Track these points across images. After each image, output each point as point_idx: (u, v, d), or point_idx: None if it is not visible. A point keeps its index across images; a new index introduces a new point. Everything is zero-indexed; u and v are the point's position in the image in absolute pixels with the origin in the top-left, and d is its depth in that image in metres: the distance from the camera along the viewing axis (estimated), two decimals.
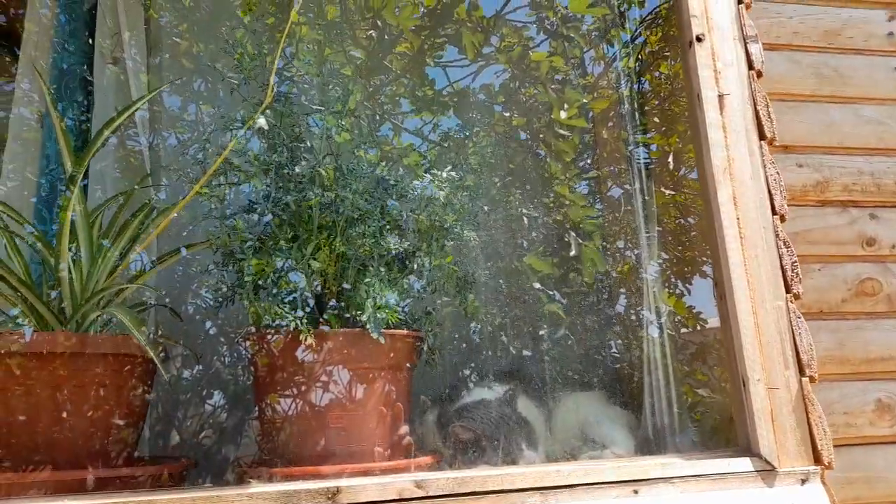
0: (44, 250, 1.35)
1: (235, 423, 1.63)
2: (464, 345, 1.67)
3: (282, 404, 1.30)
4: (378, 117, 2.39)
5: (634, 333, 1.92)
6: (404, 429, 1.37)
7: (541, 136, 2.43)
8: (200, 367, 1.73)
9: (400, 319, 1.33)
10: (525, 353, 1.67)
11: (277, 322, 1.29)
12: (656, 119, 2.35)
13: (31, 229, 1.39)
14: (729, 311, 1.39)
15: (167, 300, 1.72)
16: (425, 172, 1.40)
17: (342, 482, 1.16)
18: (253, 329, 1.34)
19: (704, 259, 2.04)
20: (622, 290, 2.16)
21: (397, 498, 1.17)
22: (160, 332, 1.62)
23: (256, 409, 1.37)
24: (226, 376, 1.71)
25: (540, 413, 1.52)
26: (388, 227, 1.35)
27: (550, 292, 1.99)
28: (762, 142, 1.48)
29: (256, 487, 1.16)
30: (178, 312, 1.59)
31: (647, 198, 2.01)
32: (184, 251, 1.44)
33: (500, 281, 1.93)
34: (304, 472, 1.20)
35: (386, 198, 1.38)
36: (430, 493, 1.18)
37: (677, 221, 2.29)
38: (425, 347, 1.43)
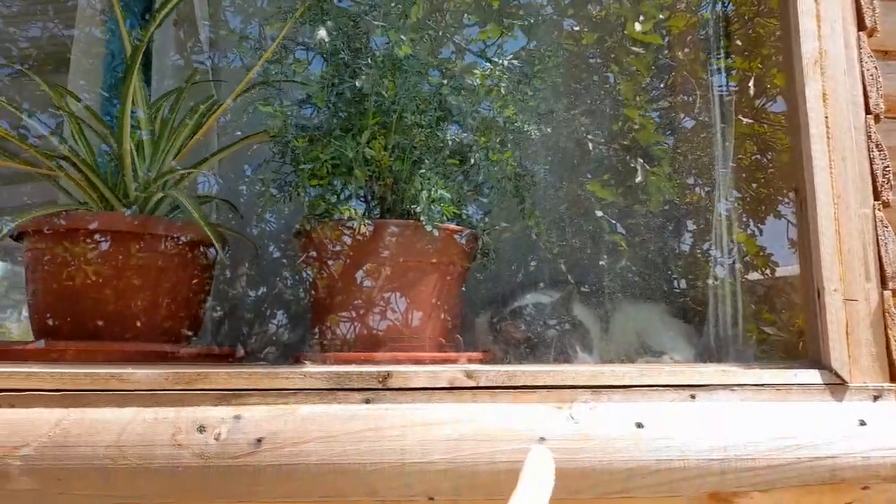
0: (107, 133, 1.36)
1: (299, 322, 1.65)
2: (521, 250, 1.62)
3: (335, 295, 1.29)
4: (441, 34, 2.28)
5: (702, 259, 1.82)
6: (456, 324, 1.35)
7: (612, 54, 2.25)
8: (262, 262, 1.75)
9: (455, 214, 1.28)
10: (584, 261, 1.61)
11: (330, 212, 1.27)
12: (738, 42, 2.14)
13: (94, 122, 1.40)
14: (809, 216, 1.28)
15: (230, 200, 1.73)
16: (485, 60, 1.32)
17: (392, 367, 1.16)
18: (306, 223, 1.33)
19: (781, 198, 1.91)
20: (691, 222, 2.03)
21: (447, 385, 1.16)
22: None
23: (311, 300, 1.38)
24: (287, 276, 1.73)
25: (597, 320, 1.47)
26: (444, 118, 1.28)
27: (612, 221, 1.89)
28: (861, 33, 1.32)
29: (310, 367, 1.17)
30: (237, 207, 1.60)
31: (724, 126, 1.86)
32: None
33: (563, 192, 1.85)
34: (357, 357, 1.20)
35: (443, 89, 1.31)
36: (481, 384, 1.16)
37: (753, 157, 2.13)
38: (479, 247, 1.39)
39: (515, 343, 1.35)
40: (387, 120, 1.28)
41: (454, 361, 1.24)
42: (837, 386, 1.22)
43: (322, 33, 1.26)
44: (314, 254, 1.32)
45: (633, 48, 2.18)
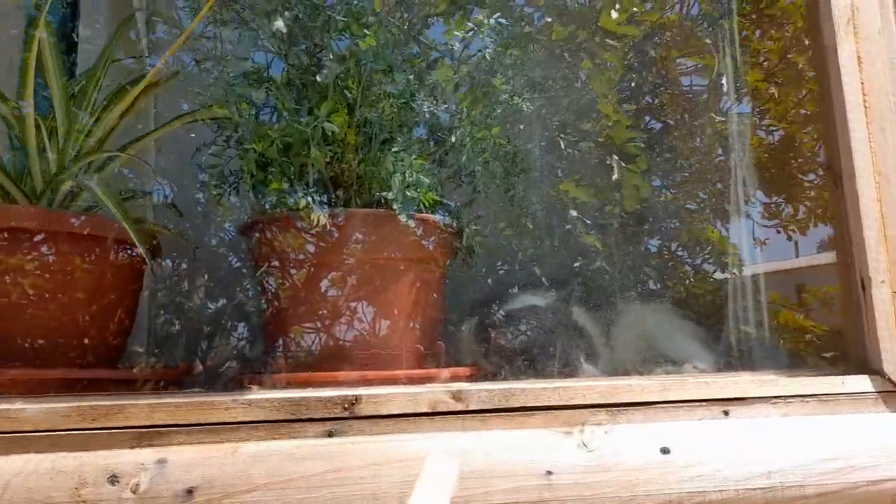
0: (7, 112, 1.10)
1: (253, 336, 1.40)
2: (509, 245, 1.40)
3: (289, 302, 1.06)
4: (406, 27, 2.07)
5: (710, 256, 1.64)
6: (437, 334, 1.13)
7: (584, 46, 2.08)
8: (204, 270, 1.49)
9: (436, 201, 1.06)
10: (580, 259, 1.40)
11: (283, 203, 1.04)
12: (708, 41, 2.02)
13: None
14: (847, 197, 1.09)
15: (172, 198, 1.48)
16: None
17: (361, 390, 0.93)
18: (255, 217, 1.10)
19: (746, 199, 1.78)
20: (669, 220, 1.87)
21: (429, 410, 0.93)
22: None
23: (265, 310, 1.13)
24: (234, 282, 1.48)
25: (598, 325, 1.26)
26: (420, 88, 1.06)
27: (588, 221, 1.70)
28: None
29: (256, 394, 0.93)
30: (176, 206, 1.35)
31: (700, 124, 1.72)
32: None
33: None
34: (316, 378, 0.97)
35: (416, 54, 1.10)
36: (471, 407, 0.93)
37: (719, 158, 2.02)
38: (463, 243, 1.17)
39: (508, 355, 1.13)
40: (351, 92, 1.05)
41: (437, 379, 1.01)
42: (891, 394, 1.02)
43: None
44: (265, 254, 1.09)
45: (608, 41, 2.01)
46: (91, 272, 1.03)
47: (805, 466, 0.95)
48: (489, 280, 1.37)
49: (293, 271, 1.04)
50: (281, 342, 1.07)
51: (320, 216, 0.99)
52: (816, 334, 1.33)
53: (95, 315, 1.05)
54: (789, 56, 1.87)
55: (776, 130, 1.95)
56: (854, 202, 1.08)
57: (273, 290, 1.08)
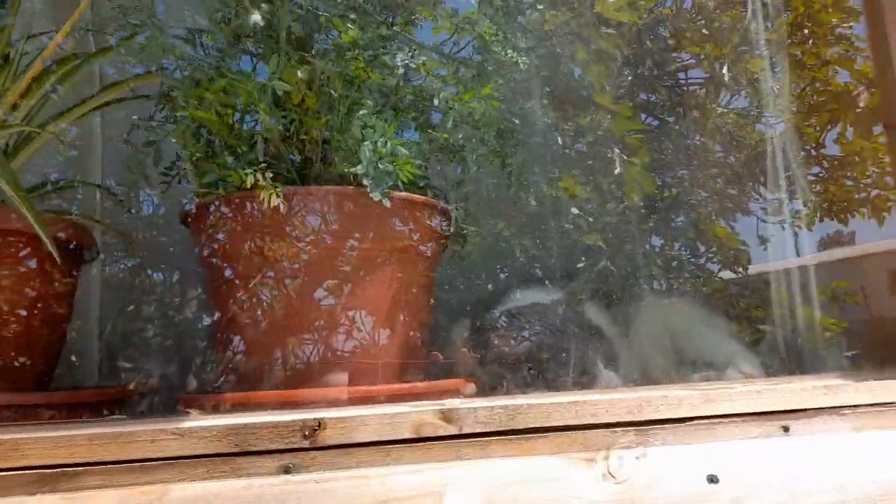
0: None
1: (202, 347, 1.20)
2: (509, 232, 1.20)
3: (238, 304, 0.86)
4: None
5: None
6: (421, 338, 0.93)
7: (580, 33, 1.90)
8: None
9: (418, 177, 0.87)
10: (592, 247, 1.20)
11: (225, 181, 0.84)
12: (705, 31, 1.87)
13: None
14: None
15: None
16: None
17: (326, 413, 0.73)
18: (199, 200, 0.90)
19: (749, 196, 1.73)
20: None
21: (413, 436, 0.73)
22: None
23: (212, 313, 0.94)
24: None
25: (616, 324, 1.06)
26: (393, 37, 0.87)
27: (589, 219, 1.51)
28: None
29: (192, 421, 0.73)
30: (115, 194, 1.15)
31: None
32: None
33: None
34: (269, 398, 0.77)
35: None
36: (465, 430, 0.74)
37: (718, 155, 1.88)
38: (451, 228, 0.98)
39: (512, 363, 0.93)
40: (307, 43, 0.86)
41: (423, 395, 0.81)
42: None
43: None
44: (210, 246, 0.89)
45: (605, 29, 1.83)
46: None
47: (887, 496, 0.75)
48: (487, 274, 1.18)
49: (240, 266, 0.85)
50: (230, 354, 0.87)
51: (271, 195, 0.79)
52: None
53: (10, 324, 0.85)
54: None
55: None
56: None
57: (221, 291, 0.89)
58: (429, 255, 0.95)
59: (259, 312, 0.85)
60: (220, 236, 0.88)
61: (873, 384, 0.82)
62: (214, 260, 0.89)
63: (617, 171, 1.59)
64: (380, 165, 0.83)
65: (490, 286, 1.16)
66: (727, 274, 1.46)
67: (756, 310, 1.37)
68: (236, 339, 0.87)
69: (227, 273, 0.88)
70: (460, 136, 0.95)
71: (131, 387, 0.99)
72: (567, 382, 0.91)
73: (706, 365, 0.98)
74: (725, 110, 1.88)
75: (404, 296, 0.90)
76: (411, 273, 0.92)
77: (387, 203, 0.83)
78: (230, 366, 0.87)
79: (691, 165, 1.71)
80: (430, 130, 0.98)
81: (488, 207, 1.27)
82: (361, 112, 0.84)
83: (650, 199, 1.56)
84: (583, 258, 1.34)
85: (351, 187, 0.85)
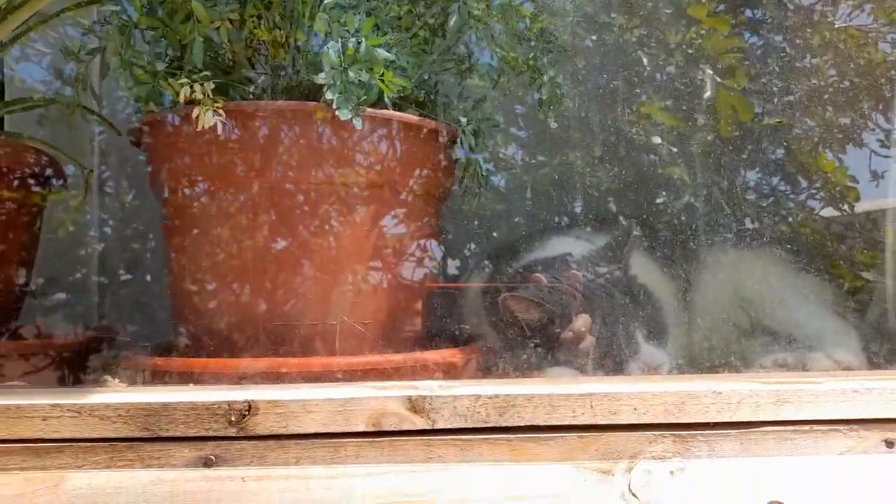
0: None
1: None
2: (536, 162, 0.98)
3: (181, 247, 0.71)
4: None
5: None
6: (417, 303, 0.76)
7: None
8: None
9: (406, 84, 0.68)
10: (644, 191, 0.97)
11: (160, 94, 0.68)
12: None
13: None
14: None
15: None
16: None
17: (261, 393, 0.57)
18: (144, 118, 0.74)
19: (864, 121, 1.43)
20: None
21: (371, 429, 0.57)
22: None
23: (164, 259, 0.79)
24: None
25: (670, 285, 0.85)
26: None
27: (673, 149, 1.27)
28: None
29: (99, 394, 0.59)
30: (102, 116, 1.00)
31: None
32: None
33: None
34: (195, 365, 0.62)
35: None
36: (439, 425, 0.57)
37: (831, 78, 1.56)
38: (461, 156, 0.78)
39: (523, 329, 0.74)
40: None
41: (398, 372, 0.64)
42: None
43: None
44: (151, 171, 0.74)
45: None
46: None
47: None
48: (512, 217, 0.97)
49: (180, 201, 0.69)
50: (174, 308, 0.72)
51: (206, 112, 0.61)
52: None
53: None
54: None
55: None
56: None
57: (166, 229, 0.74)
58: (427, 190, 0.76)
59: (202, 260, 0.69)
60: (160, 161, 0.72)
61: None
62: (157, 189, 0.73)
63: (707, 94, 1.35)
64: (350, 73, 0.64)
65: (513, 229, 0.96)
66: (830, 213, 1.20)
67: (861, 253, 1.13)
68: (180, 291, 0.72)
69: (168, 209, 0.72)
70: (470, 41, 0.74)
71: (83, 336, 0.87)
72: (591, 365, 0.71)
73: (787, 343, 0.75)
74: (843, 25, 1.56)
75: (390, 243, 0.72)
76: (402, 214, 0.74)
77: (358, 124, 0.64)
78: (177, 322, 0.73)
79: (798, 90, 1.42)
80: (433, 27, 0.77)
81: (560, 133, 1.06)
82: (327, 1, 0.65)
83: (748, 128, 1.32)
84: (663, 193, 1.14)
85: (312, 103, 0.66)
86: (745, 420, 0.58)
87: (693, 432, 0.58)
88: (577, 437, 0.58)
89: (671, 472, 0.57)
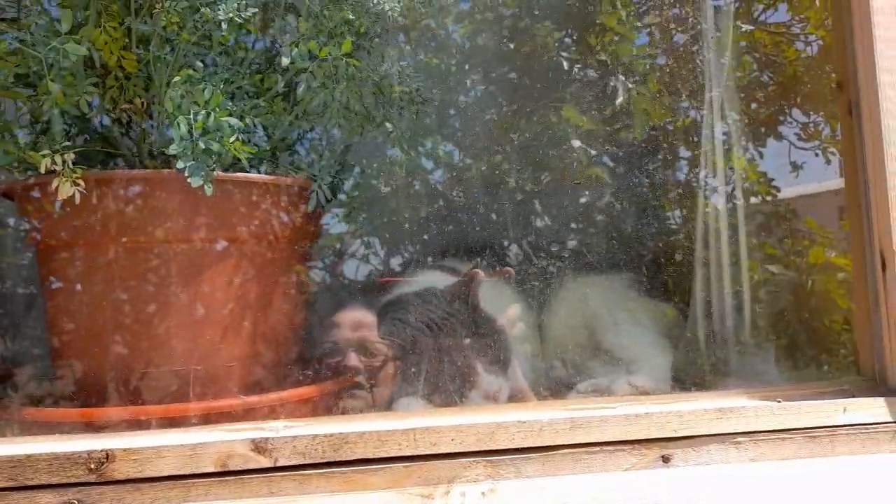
0: None
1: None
2: (405, 201, 1.07)
3: (54, 301, 0.77)
4: None
5: (689, 201, 1.32)
6: (288, 345, 0.84)
7: None
8: None
9: (255, 151, 0.75)
10: (513, 216, 1.07)
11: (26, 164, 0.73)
12: None
13: None
14: (865, 130, 0.75)
15: None
16: None
17: (117, 441, 0.65)
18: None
19: (782, 118, 1.57)
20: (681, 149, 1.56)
21: (219, 470, 0.65)
22: None
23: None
24: None
25: (528, 311, 0.95)
26: None
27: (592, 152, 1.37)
28: None
29: None
30: None
31: (720, 37, 1.41)
32: None
33: None
34: (61, 417, 0.69)
35: None
36: (280, 462, 0.66)
37: (751, 75, 1.69)
38: (317, 204, 0.85)
39: (382, 369, 0.83)
40: None
41: (252, 414, 0.73)
42: None
43: None
44: (27, 231, 0.79)
45: None
46: None
47: None
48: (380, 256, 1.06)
49: (51, 260, 0.75)
50: (50, 354, 0.79)
51: (63, 184, 0.68)
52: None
53: None
54: None
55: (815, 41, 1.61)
56: (875, 136, 0.74)
57: (41, 283, 0.80)
58: (287, 240, 0.84)
59: (72, 312, 0.76)
60: (30, 220, 0.78)
61: (776, 406, 0.71)
62: (30, 245, 0.79)
63: (619, 100, 1.45)
64: (200, 143, 0.71)
65: (386, 265, 1.05)
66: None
67: (770, 247, 1.26)
68: (53, 340, 0.78)
69: (42, 262, 0.78)
70: (315, 102, 0.82)
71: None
72: (440, 391, 0.81)
73: (614, 363, 0.87)
74: (751, 28, 1.66)
75: (255, 290, 0.80)
76: (261, 265, 0.82)
77: (208, 190, 0.72)
78: (45, 372, 0.79)
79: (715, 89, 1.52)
80: (288, 95, 0.85)
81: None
82: (177, 79, 0.72)
83: (664, 127, 1.42)
84: (586, 194, 1.22)
85: (167, 170, 0.73)
86: (545, 444, 0.69)
87: (502, 457, 0.69)
88: (403, 467, 0.68)
89: (482, 493, 0.67)
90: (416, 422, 0.69)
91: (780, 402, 0.73)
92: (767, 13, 1.75)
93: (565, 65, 1.45)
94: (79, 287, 0.75)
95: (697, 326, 0.90)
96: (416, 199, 1.03)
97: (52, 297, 0.79)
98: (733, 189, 1.18)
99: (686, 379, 0.85)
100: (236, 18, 0.73)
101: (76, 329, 0.77)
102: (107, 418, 0.69)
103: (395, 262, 1.04)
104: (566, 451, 0.69)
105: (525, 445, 0.69)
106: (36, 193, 0.77)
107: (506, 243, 1.03)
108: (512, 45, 1.46)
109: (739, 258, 0.95)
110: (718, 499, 0.69)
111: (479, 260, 0.93)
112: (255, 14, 0.74)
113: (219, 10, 0.73)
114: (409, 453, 0.68)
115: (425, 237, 1.05)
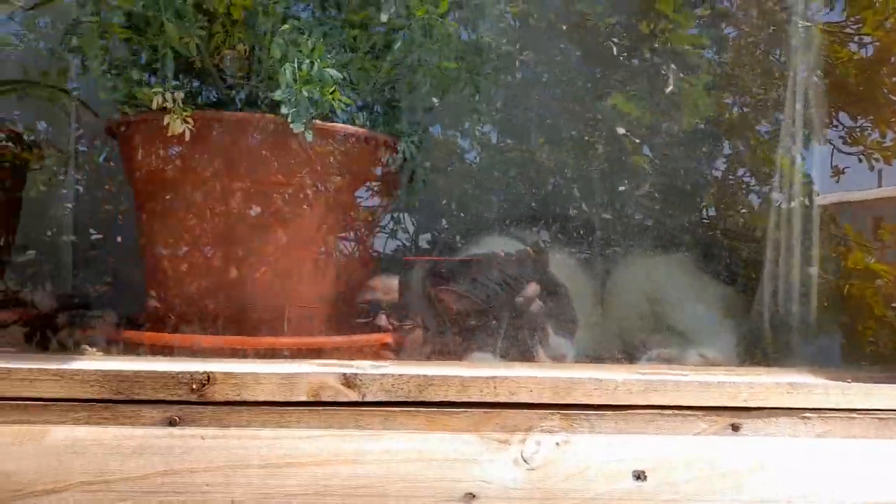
0: None
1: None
2: (475, 166, 1.10)
3: (150, 237, 0.82)
4: None
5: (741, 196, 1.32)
6: (359, 291, 0.88)
7: None
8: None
9: (351, 102, 0.78)
10: (576, 191, 1.09)
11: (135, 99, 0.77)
12: None
13: None
14: None
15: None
16: None
17: (218, 366, 0.70)
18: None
19: (827, 120, 1.49)
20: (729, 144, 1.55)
21: (310, 399, 0.70)
22: None
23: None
24: None
25: (589, 282, 0.98)
26: None
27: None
28: None
29: (77, 362, 0.70)
30: (83, 102, 1.07)
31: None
32: None
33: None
34: (163, 341, 0.74)
35: None
36: (368, 398, 0.70)
37: (801, 74, 1.66)
38: (400, 162, 0.89)
39: (453, 320, 0.87)
40: None
41: (335, 351, 0.77)
42: None
43: None
44: (127, 162, 0.84)
45: None
46: None
47: None
48: (453, 215, 1.09)
49: (153, 193, 0.79)
50: (146, 286, 0.84)
51: (176, 120, 0.72)
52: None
53: None
54: None
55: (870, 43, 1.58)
56: None
57: (140, 216, 0.84)
58: (372, 195, 0.88)
59: (172, 248, 0.80)
60: (136, 158, 0.82)
61: (847, 386, 0.73)
62: (132, 180, 0.84)
63: (669, 89, 1.45)
64: (303, 91, 0.75)
65: (454, 227, 1.08)
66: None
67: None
68: (150, 271, 0.83)
69: (142, 198, 0.83)
70: (410, 60, 0.84)
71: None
72: (505, 349, 0.85)
73: (675, 336, 0.89)
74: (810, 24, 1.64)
75: (333, 238, 0.84)
76: (344, 212, 0.86)
77: (308, 136, 0.76)
78: (147, 299, 0.84)
79: (766, 85, 1.51)
80: (383, 50, 0.88)
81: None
82: (284, 27, 0.75)
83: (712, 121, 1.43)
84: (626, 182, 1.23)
85: (271, 115, 0.77)
86: (620, 403, 0.72)
87: (577, 412, 0.72)
88: (483, 412, 0.71)
89: (557, 444, 0.71)
90: (496, 371, 0.73)
91: (849, 382, 0.75)
92: (823, 12, 1.73)
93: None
94: (176, 223, 0.80)
95: (764, 308, 0.92)
96: (489, 167, 1.06)
97: (150, 233, 0.83)
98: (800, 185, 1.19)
99: (751, 358, 0.88)
100: None
101: (172, 265, 0.82)
102: (205, 345, 0.74)
103: (463, 227, 1.07)
104: (639, 411, 0.73)
105: (600, 403, 0.72)
106: (141, 130, 0.81)
107: (574, 214, 1.06)
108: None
109: (810, 248, 0.97)
110: (785, 469, 0.71)
111: (554, 232, 0.96)
112: None
113: None
114: (489, 400, 0.71)
115: (495, 203, 1.08)
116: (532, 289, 0.88)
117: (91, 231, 1.04)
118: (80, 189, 1.04)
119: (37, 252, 0.99)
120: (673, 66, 1.44)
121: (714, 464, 0.72)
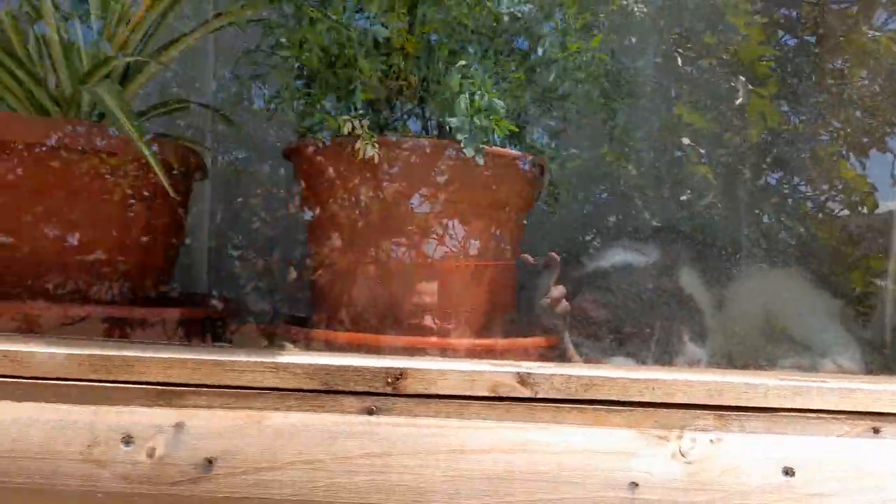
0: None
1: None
2: (601, 186, 1.18)
3: (331, 247, 0.92)
4: None
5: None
6: (506, 296, 0.97)
7: None
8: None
9: (512, 132, 0.87)
10: (688, 207, 1.17)
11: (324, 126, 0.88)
12: None
13: None
14: None
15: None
16: None
17: (408, 363, 0.80)
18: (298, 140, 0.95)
19: (889, 129, 1.52)
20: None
21: (489, 395, 0.79)
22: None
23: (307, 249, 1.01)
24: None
25: (708, 294, 1.05)
26: None
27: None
28: None
29: (287, 356, 0.81)
30: (229, 118, 1.20)
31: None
32: None
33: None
34: (357, 340, 0.84)
35: None
36: (540, 395, 0.79)
37: (862, 83, 1.66)
38: (545, 183, 0.98)
39: (593, 329, 0.95)
40: None
41: (501, 353, 0.86)
42: None
43: None
44: (305, 185, 0.95)
45: None
46: (104, 189, 0.93)
47: None
48: (576, 228, 1.18)
49: (333, 211, 0.90)
50: (323, 291, 0.94)
51: (366, 145, 0.82)
52: None
53: (113, 241, 0.95)
54: None
55: None
56: None
57: (315, 232, 0.95)
58: (519, 210, 0.97)
59: (341, 257, 0.91)
60: (317, 178, 0.93)
61: None
62: (311, 200, 0.95)
63: (739, 101, 1.49)
64: (475, 120, 0.84)
65: (577, 238, 1.16)
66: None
67: (874, 259, 1.28)
68: (326, 282, 0.93)
69: (320, 215, 0.94)
70: (561, 88, 0.93)
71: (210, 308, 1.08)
72: (646, 356, 0.92)
73: (802, 349, 0.96)
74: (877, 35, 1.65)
75: (493, 251, 0.93)
76: (500, 228, 0.95)
77: (479, 160, 0.85)
78: (321, 303, 0.95)
79: (828, 94, 1.54)
80: (533, 73, 0.97)
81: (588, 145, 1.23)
82: (461, 63, 0.84)
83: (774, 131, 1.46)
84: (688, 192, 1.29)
85: (446, 140, 0.86)
86: (770, 406, 0.79)
87: (730, 413, 0.79)
88: (642, 411, 0.80)
89: (711, 441, 0.78)
90: (653, 375, 0.81)
91: None
92: (891, 19, 1.73)
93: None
94: (362, 241, 0.90)
95: (885, 322, 0.97)
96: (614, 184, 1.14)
97: (330, 248, 0.94)
98: None
99: (887, 369, 0.93)
100: (515, 12, 0.85)
101: (348, 274, 0.92)
102: (391, 344, 0.84)
103: (587, 239, 1.15)
104: (786, 413, 0.79)
105: (750, 405, 0.79)
106: (327, 155, 0.92)
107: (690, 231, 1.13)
108: None
109: None
110: None
111: (676, 246, 1.03)
112: (528, 9, 0.86)
113: (501, 4, 0.85)
114: (647, 399, 0.79)
115: (613, 220, 1.16)
116: (667, 298, 0.96)
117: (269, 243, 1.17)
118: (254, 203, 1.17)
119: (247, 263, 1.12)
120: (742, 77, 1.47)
121: (857, 463, 0.79)
